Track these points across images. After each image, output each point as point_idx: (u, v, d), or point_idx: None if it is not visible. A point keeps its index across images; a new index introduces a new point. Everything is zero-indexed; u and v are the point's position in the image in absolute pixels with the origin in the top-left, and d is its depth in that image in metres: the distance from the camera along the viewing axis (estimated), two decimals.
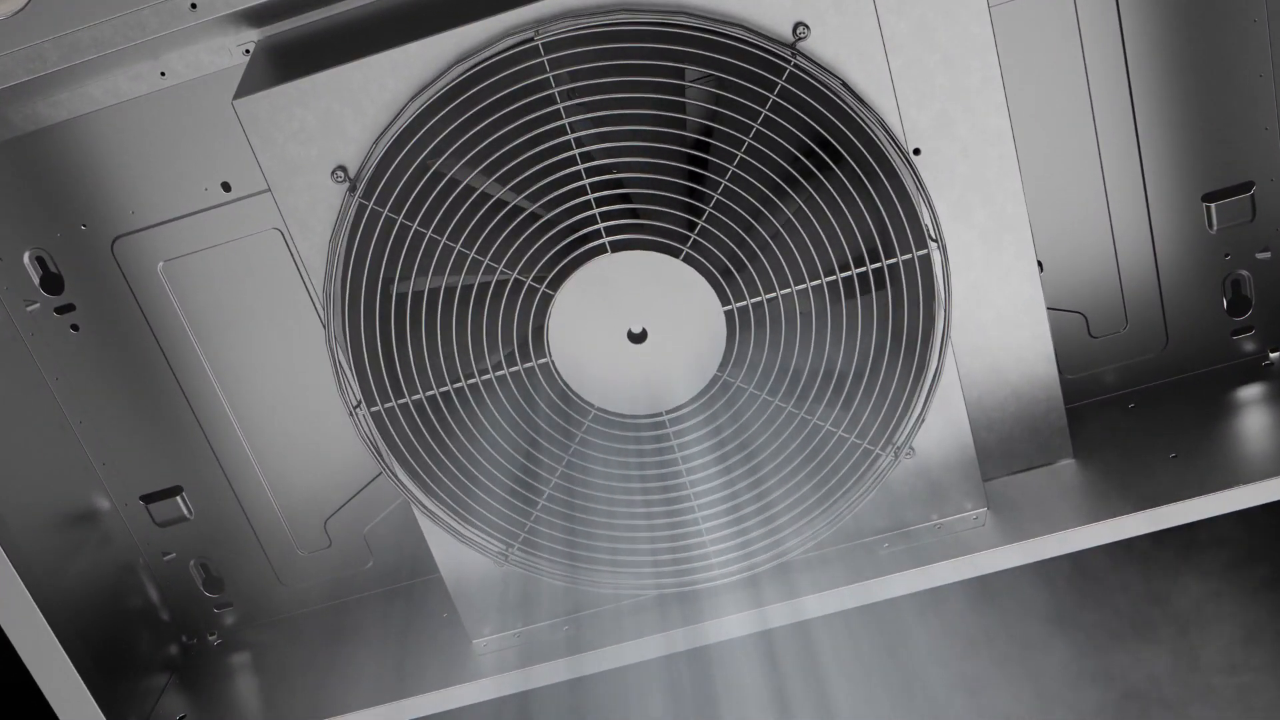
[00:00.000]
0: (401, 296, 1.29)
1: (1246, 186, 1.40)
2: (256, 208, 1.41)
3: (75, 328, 1.47)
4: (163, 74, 1.35)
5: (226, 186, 1.41)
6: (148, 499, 1.54)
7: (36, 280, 1.45)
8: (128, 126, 1.38)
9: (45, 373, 1.47)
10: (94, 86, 1.35)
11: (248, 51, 1.33)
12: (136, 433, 1.51)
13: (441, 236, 1.26)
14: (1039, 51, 1.35)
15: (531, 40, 1.19)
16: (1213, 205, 1.40)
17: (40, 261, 1.45)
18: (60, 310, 1.46)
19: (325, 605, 1.59)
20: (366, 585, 1.58)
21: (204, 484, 1.54)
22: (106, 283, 1.45)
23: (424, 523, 1.38)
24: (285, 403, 1.50)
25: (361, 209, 1.25)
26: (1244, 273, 1.43)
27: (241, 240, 1.43)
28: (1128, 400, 1.47)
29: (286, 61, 1.26)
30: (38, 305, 1.46)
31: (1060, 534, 1.33)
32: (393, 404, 1.32)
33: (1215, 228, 1.41)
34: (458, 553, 1.40)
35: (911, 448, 1.33)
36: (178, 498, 1.54)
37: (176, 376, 1.49)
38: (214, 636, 1.60)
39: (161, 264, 1.44)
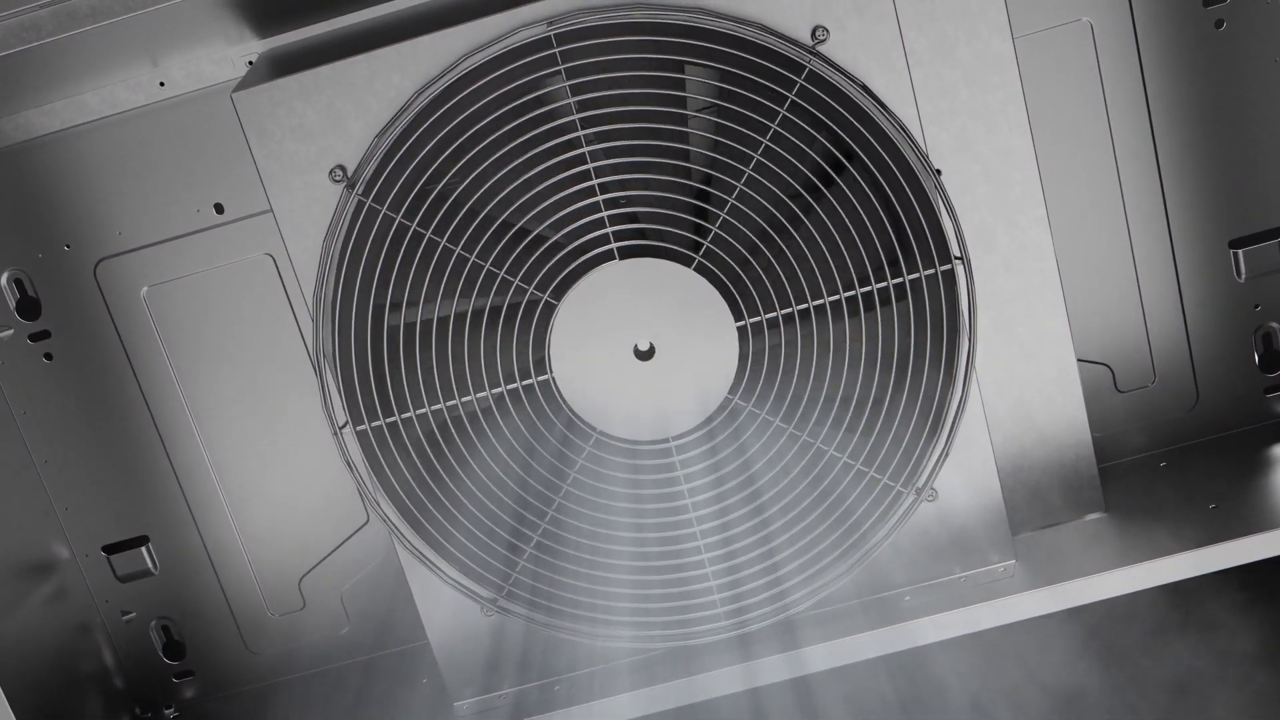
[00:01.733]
0: (395, 305, 1.22)
1: (1275, 232, 1.35)
2: (249, 231, 1.36)
3: (49, 357, 1.39)
4: (162, 84, 1.31)
5: (219, 208, 1.36)
6: (110, 549, 1.44)
7: (13, 304, 1.38)
8: (121, 142, 1.34)
9: (13, 406, 1.39)
10: (90, 95, 1.32)
11: (250, 64, 1.30)
12: (105, 475, 1.42)
13: (441, 238, 1.20)
14: (1059, 95, 1.32)
15: (544, 33, 1.16)
16: (1240, 252, 1.35)
17: (18, 284, 1.38)
18: (34, 338, 1.39)
19: (294, 676, 1.46)
20: (341, 654, 1.46)
21: (172, 535, 1.44)
22: (86, 309, 1.38)
23: (406, 561, 1.27)
24: (265, 447, 1.41)
25: (360, 206, 1.20)
26: (1275, 325, 1.37)
27: (231, 265, 1.37)
28: (1159, 460, 1.39)
29: (288, 69, 1.23)
30: (11, 332, 1.39)
31: (1101, 575, 1.23)
32: (380, 423, 1.24)
33: (1244, 276, 1.36)
34: (441, 598, 1.29)
35: (934, 489, 1.25)
36: (143, 549, 1.44)
37: (152, 413, 1.40)
38: (170, 710, 1.47)
39: (145, 289, 1.38)
